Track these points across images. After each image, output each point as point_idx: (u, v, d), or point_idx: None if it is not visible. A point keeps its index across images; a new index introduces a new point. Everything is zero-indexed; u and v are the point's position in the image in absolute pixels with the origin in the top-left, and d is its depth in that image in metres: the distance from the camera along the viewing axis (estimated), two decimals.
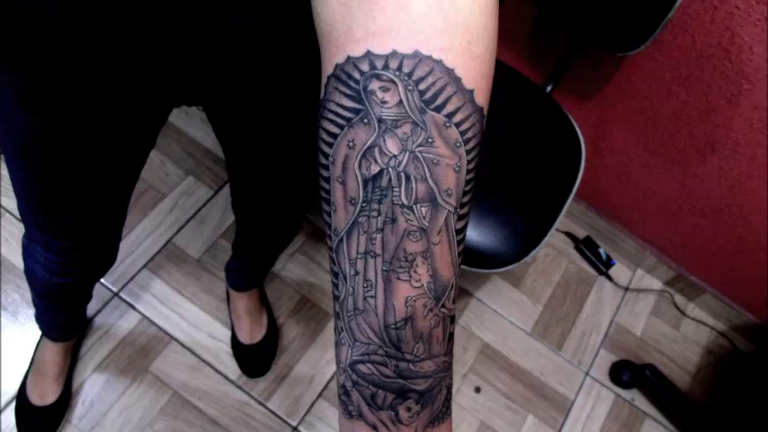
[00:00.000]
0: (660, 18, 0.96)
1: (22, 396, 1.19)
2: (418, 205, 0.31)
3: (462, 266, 1.05)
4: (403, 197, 0.31)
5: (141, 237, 1.39)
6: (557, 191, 1.13)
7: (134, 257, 1.36)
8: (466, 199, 0.33)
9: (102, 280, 1.32)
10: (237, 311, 1.31)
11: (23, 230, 0.83)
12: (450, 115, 0.31)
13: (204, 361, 1.31)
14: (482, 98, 0.32)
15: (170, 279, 1.36)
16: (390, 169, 0.31)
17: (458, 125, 0.31)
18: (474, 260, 1.07)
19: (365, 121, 0.31)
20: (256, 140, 0.72)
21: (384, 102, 0.30)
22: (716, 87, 1.12)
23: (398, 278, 0.31)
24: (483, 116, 0.32)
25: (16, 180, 0.69)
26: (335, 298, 0.34)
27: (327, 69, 0.32)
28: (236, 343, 1.32)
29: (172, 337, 1.31)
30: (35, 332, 1.23)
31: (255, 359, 1.32)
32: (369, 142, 0.31)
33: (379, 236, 0.31)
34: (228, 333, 1.34)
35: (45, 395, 1.18)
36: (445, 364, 0.33)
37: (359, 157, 0.31)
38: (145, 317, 1.32)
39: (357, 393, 0.33)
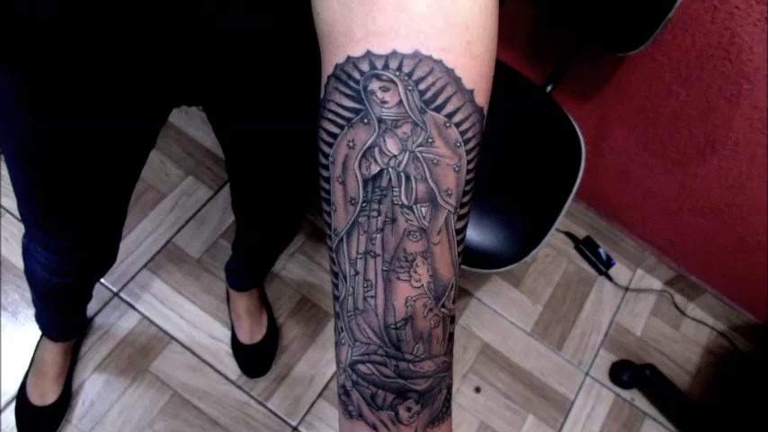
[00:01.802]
0: (660, 18, 0.96)
1: (22, 396, 1.19)
2: (418, 205, 0.31)
3: (462, 266, 1.05)
4: (403, 197, 0.31)
5: (141, 237, 1.39)
6: (557, 191, 1.13)
7: (134, 257, 1.36)
8: (466, 199, 0.32)
9: (102, 280, 1.32)
10: (237, 311, 1.31)
11: (23, 230, 0.83)
12: (450, 115, 0.31)
13: (204, 361, 1.31)
14: (482, 98, 0.32)
15: (170, 279, 1.36)
16: (390, 169, 0.31)
17: (458, 125, 0.31)
18: (474, 260, 1.07)
19: (365, 121, 0.31)
20: (256, 140, 0.72)
21: (384, 102, 0.30)
22: (716, 87, 1.12)
23: (398, 278, 0.31)
24: (483, 116, 0.32)
25: (16, 180, 0.69)
26: (335, 298, 0.34)
27: (327, 69, 0.32)
28: (236, 343, 1.32)
29: (172, 337, 1.31)
30: (35, 332, 1.23)
31: (255, 359, 1.32)
32: (369, 142, 0.31)
33: (379, 236, 0.31)
34: (228, 333, 1.34)
35: (45, 395, 1.18)
36: (445, 364, 0.33)
37: (359, 157, 0.31)
38: (145, 317, 1.32)
39: (357, 393, 0.33)
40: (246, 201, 0.93)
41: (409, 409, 0.32)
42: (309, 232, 1.48)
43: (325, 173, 0.33)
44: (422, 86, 0.30)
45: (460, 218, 0.32)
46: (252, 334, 1.31)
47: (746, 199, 1.26)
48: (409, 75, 0.30)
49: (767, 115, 1.10)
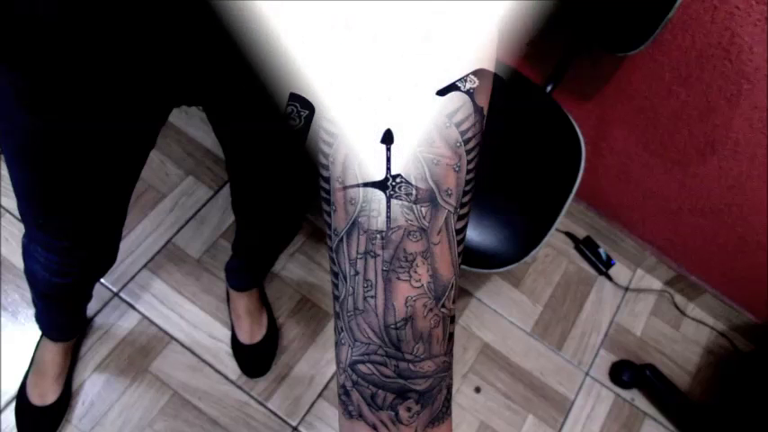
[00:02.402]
0: (660, 18, 0.96)
1: (22, 396, 1.18)
2: (418, 205, 0.31)
3: (462, 266, 1.05)
4: (403, 197, 0.31)
5: (141, 237, 1.39)
6: (557, 191, 1.13)
7: (134, 257, 1.36)
8: (466, 199, 0.32)
9: (102, 280, 1.32)
10: (237, 311, 1.31)
11: (23, 230, 0.83)
12: (450, 115, 0.31)
13: (204, 361, 1.31)
14: (482, 98, 0.32)
15: (170, 279, 1.36)
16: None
17: (458, 125, 0.31)
18: (474, 260, 1.07)
19: None
20: (256, 140, 0.72)
21: None
22: (716, 87, 1.12)
23: (398, 278, 0.31)
24: (483, 116, 0.32)
25: (16, 180, 0.69)
26: (335, 298, 0.34)
27: None
28: (236, 343, 1.32)
29: (172, 337, 1.31)
30: (35, 332, 1.23)
31: (255, 359, 1.32)
32: None
33: (379, 236, 0.31)
34: (228, 333, 1.34)
35: (45, 395, 1.18)
36: (445, 364, 0.33)
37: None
38: (145, 317, 1.32)
39: (357, 393, 0.33)
40: (246, 201, 0.93)
41: (409, 409, 0.32)
42: (309, 232, 1.48)
43: (325, 173, 0.33)
44: None
45: (460, 218, 0.32)
46: (252, 334, 1.31)
47: (746, 199, 1.26)
48: None
49: (767, 115, 1.09)
